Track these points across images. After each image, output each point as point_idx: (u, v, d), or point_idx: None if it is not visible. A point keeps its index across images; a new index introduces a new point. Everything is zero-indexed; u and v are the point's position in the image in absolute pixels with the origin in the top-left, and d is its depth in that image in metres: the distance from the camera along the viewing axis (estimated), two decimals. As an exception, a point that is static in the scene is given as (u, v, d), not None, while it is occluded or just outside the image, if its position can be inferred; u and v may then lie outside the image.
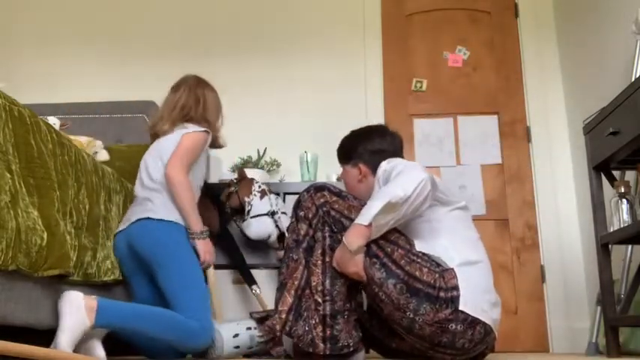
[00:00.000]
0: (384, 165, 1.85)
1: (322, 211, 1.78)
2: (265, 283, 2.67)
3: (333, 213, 1.77)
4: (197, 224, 2.11)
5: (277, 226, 2.54)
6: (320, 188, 1.83)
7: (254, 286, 2.53)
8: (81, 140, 2.45)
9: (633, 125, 1.95)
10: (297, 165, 3.32)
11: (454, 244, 1.76)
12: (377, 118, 3.47)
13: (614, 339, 2.13)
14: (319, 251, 1.76)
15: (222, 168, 3.50)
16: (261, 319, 2.03)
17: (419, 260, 1.69)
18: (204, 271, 2.16)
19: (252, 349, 2.02)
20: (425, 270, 1.67)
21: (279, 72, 3.65)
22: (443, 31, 3.67)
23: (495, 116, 3.52)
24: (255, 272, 2.63)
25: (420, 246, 1.74)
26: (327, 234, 1.77)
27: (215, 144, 2.38)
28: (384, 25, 3.70)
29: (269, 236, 2.55)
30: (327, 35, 3.69)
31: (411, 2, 3.73)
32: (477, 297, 1.69)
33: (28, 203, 1.55)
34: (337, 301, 1.73)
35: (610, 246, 2.27)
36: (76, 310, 1.65)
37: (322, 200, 1.80)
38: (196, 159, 2.22)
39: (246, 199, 2.57)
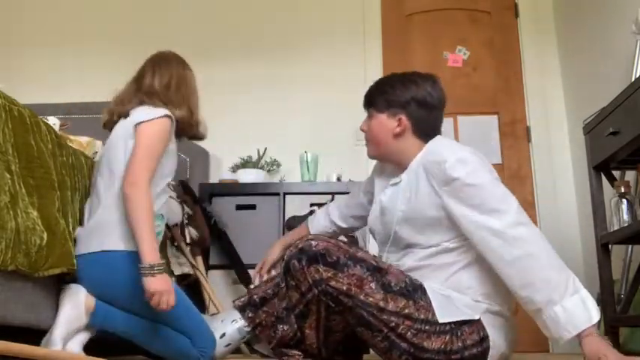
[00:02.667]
0: (452, 162, 1.52)
1: (318, 290, 1.52)
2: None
3: (330, 290, 1.51)
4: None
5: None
6: (313, 260, 1.51)
7: (251, 286, 2.52)
8: (81, 140, 2.44)
9: (633, 125, 1.95)
10: (297, 165, 3.32)
11: (482, 284, 1.56)
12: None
13: (614, 339, 2.13)
14: (314, 317, 1.58)
15: (222, 168, 3.50)
16: (243, 306, 1.95)
17: (427, 327, 1.49)
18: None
19: (244, 339, 1.99)
20: (434, 337, 1.49)
21: (279, 72, 3.65)
22: (443, 31, 3.67)
23: (495, 116, 3.52)
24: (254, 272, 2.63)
25: (436, 297, 1.52)
26: (322, 309, 1.56)
27: (193, 133, 1.99)
28: (384, 25, 3.70)
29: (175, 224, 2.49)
30: (327, 35, 3.69)
31: (411, 2, 3.73)
32: (502, 347, 1.55)
33: (28, 204, 1.55)
34: (332, 349, 1.65)
35: (610, 246, 2.27)
36: (76, 305, 1.65)
37: (317, 277, 1.51)
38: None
39: None
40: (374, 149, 1.74)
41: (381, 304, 1.48)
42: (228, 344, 1.95)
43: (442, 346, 1.48)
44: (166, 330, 1.75)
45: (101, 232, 1.70)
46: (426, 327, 1.49)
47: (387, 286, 1.51)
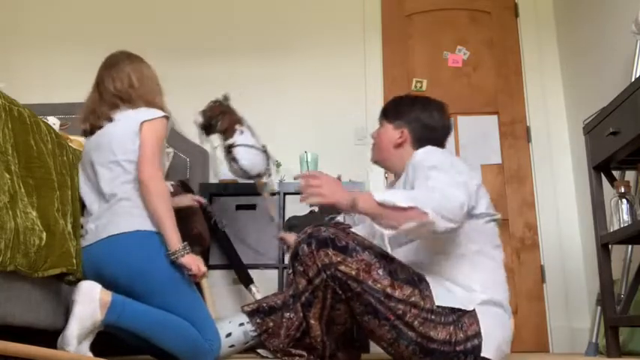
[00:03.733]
0: (422, 154, 1.66)
1: (326, 275, 1.53)
2: (264, 282, 2.67)
3: (339, 275, 1.52)
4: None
5: (268, 169, 2.40)
6: (323, 244, 1.54)
7: (251, 286, 2.52)
8: (81, 140, 2.45)
9: (633, 125, 1.95)
10: (297, 165, 3.31)
11: (479, 276, 1.60)
12: (377, 118, 3.47)
13: (614, 339, 2.13)
14: (319, 306, 1.58)
15: (222, 168, 3.49)
16: (252, 312, 2.01)
17: (433, 317, 1.52)
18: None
19: (248, 343, 2.01)
20: (440, 328, 1.51)
21: (279, 72, 3.65)
22: (443, 31, 3.66)
23: (495, 116, 3.52)
24: (255, 272, 2.63)
25: (436, 288, 1.56)
26: (329, 295, 1.56)
27: None
28: (384, 25, 3.70)
29: (259, 174, 2.38)
30: (327, 35, 3.69)
31: (411, 2, 3.73)
32: (498, 338, 1.57)
33: (27, 204, 1.55)
34: (334, 342, 1.65)
35: (610, 246, 2.27)
36: (90, 302, 1.65)
37: (326, 261, 1.52)
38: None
39: (238, 126, 2.39)
40: (376, 154, 1.93)
41: (389, 290, 1.52)
42: (232, 345, 1.98)
43: (447, 337, 1.50)
44: (178, 322, 1.78)
45: (127, 216, 1.83)
46: (432, 316, 1.52)
47: (393, 273, 1.54)
